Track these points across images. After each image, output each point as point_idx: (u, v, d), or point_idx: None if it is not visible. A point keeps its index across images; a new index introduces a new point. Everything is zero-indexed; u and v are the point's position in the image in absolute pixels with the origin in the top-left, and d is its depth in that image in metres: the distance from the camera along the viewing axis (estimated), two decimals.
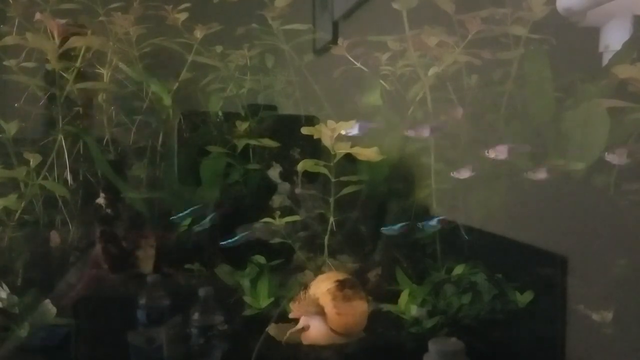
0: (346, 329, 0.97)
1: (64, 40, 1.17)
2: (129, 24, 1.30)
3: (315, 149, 1.14)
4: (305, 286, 1.01)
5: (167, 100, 1.34)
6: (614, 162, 0.83)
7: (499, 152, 0.95)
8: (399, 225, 1.08)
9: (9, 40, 1.18)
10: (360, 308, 0.99)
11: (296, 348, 0.98)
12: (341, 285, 0.98)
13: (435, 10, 1.08)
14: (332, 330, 0.97)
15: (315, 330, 0.98)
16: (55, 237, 1.26)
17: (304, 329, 0.98)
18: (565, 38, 0.98)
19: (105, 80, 1.34)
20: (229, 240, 1.09)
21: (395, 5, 1.12)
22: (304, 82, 1.41)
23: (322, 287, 0.99)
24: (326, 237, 1.09)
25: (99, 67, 1.33)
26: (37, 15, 1.19)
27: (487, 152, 0.96)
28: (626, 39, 0.88)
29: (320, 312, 0.97)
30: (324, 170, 1.06)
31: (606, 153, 0.83)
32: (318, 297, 0.98)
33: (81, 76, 1.26)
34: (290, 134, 1.31)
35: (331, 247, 1.11)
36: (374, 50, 1.26)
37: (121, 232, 1.24)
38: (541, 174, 0.92)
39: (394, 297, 1.08)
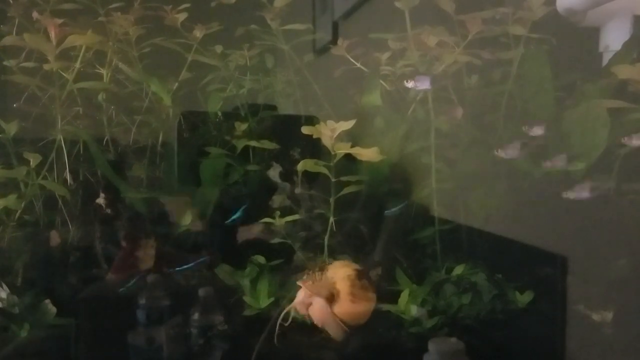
0: (354, 318, 0.98)
1: (62, 40, 1.17)
2: (128, 24, 1.30)
3: (315, 149, 1.14)
4: (321, 268, 1.01)
5: (167, 100, 1.34)
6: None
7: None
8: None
9: (8, 40, 1.18)
10: (372, 300, 1.00)
11: (296, 348, 0.98)
12: (360, 274, 0.99)
13: (435, 10, 1.08)
14: (336, 315, 0.97)
15: (317, 312, 0.98)
16: (55, 237, 1.26)
17: (307, 304, 0.99)
18: (565, 38, 0.98)
19: (105, 80, 1.34)
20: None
21: (397, 4, 1.12)
22: (304, 82, 1.41)
23: (341, 272, 1.00)
24: (326, 237, 1.09)
25: (98, 67, 1.33)
26: (35, 15, 1.19)
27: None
28: (626, 39, 0.88)
29: (331, 296, 0.98)
30: (324, 170, 1.06)
31: None
32: (335, 281, 0.98)
33: (81, 76, 1.26)
34: (290, 134, 1.31)
35: (331, 247, 1.11)
36: (374, 50, 1.26)
37: (121, 232, 1.24)
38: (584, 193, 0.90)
39: (394, 297, 1.08)
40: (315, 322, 0.99)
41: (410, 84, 1.05)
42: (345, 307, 0.97)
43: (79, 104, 1.31)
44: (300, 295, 1.00)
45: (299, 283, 1.01)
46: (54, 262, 1.24)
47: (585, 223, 0.91)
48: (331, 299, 0.98)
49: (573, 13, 0.92)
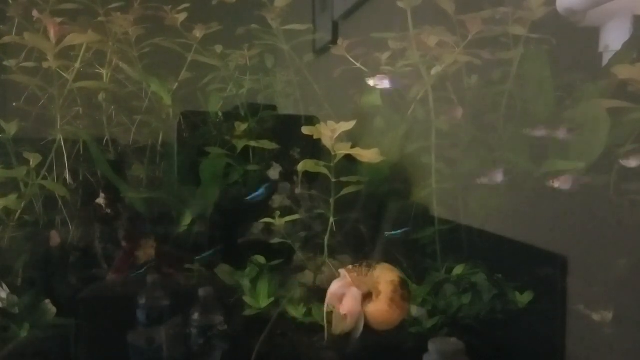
0: (383, 322, 0.98)
1: (62, 38, 1.17)
2: (128, 24, 1.30)
3: (315, 149, 1.14)
4: (369, 265, 1.01)
5: (167, 100, 1.34)
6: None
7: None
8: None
9: (8, 39, 1.18)
10: (405, 312, 1.00)
11: (296, 348, 0.98)
12: (403, 283, 0.99)
13: (435, 10, 1.08)
14: (365, 313, 0.98)
15: (349, 302, 0.98)
16: (55, 237, 1.26)
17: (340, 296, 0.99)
18: (565, 38, 0.98)
19: (105, 80, 1.34)
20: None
21: (400, 4, 1.12)
22: (304, 82, 1.41)
23: (388, 275, 1.00)
24: (326, 237, 1.09)
25: (98, 67, 1.33)
26: (35, 14, 1.19)
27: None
28: (626, 39, 0.88)
29: (368, 295, 0.98)
30: (324, 171, 1.06)
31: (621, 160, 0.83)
32: (380, 282, 0.98)
33: (81, 76, 1.26)
34: (290, 134, 1.31)
35: (331, 247, 1.11)
36: (374, 50, 1.26)
37: (121, 232, 1.24)
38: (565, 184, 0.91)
39: None
40: (341, 311, 0.98)
41: (371, 82, 1.08)
42: (381, 309, 0.97)
43: (79, 104, 1.31)
44: (336, 285, 1.00)
45: (342, 270, 1.00)
46: (54, 262, 1.24)
47: (585, 223, 0.91)
48: (367, 297, 0.98)
49: (573, 13, 0.92)
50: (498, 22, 1.05)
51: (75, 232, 1.26)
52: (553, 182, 0.90)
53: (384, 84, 1.09)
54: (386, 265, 1.03)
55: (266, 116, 1.39)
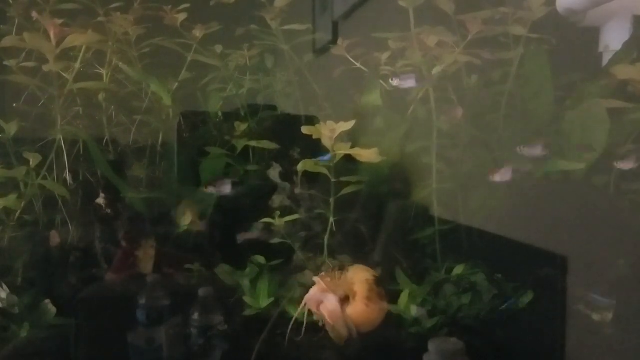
0: (363, 322, 0.98)
1: (62, 40, 1.17)
2: (128, 24, 1.30)
3: (315, 148, 1.14)
4: (342, 268, 1.01)
5: (167, 100, 1.34)
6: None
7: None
8: None
9: (7, 41, 1.18)
10: (384, 309, 1.00)
11: (296, 348, 0.98)
12: (378, 281, 0.99)
13: (435, 10, 1.08)
14: (347, 317, 0.97)
15: (329, 310, 0.98)
16: (55, 237, 1.26)
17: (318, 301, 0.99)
18: (565, 38, 0.98)
19: (105, 80, 1.34)
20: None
21: (401, 3, 1.12)
22: (304, 82, 1.41)
23: (361, 275, 1.00)
24: (326, 237, 1.09)
25: (98, 67, 1.33)
26: (35, 15, 1.19)
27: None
28: (626, 39, 0.88)
29: (346, 298, 0.98)
30: (324, 171, 1.06)
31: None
32: (354, 283, 0.98)
33: (81, 76, 1.26)
34: (290, 134, 1.31)
35: (331, 247, 1.11)
36: (374, 50, 1.26)
37: (121, 232, 1.24)
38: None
39: (394, 297, 1.08)
40: (324, 320, 0.98)
41: (395, 82, 1.06)
42: (359, 310, 0.97)
43: (79, 104, 1.31)
44: (314, 290, 1.00)
45: (315, 278, 1.00)
46: (54, 262, 1.24)
47: (585, 223, 0.91)
48: (345, 300, 0.98)
49: (573, 13, 0.92)
50: (498, 22, 1.05)
51: (75, 232, 1.26)
52: (493, 177, 0.91)
53: (410, 83, 1.08)
54: (359, 266, 1.03)
55: (266, 116, 1.39)
